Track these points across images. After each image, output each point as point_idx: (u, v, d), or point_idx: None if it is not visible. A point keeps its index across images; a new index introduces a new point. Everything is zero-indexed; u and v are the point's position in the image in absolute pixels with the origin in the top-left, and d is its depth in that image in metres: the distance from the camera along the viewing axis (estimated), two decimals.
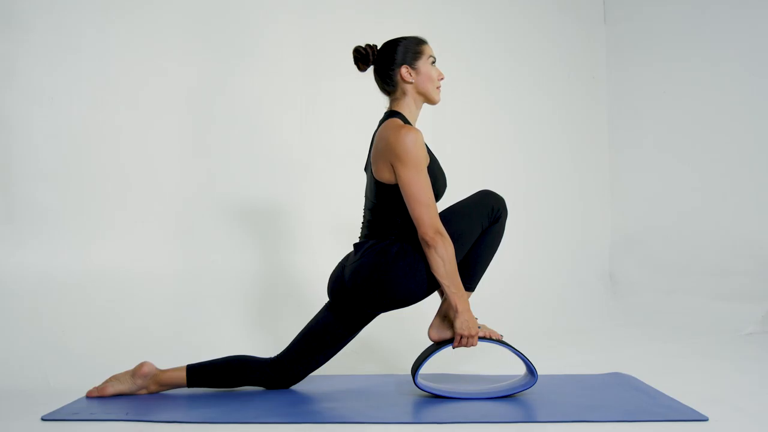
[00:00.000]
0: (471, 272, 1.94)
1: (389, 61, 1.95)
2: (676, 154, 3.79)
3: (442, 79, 1.99)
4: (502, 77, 3.87)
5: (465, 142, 3.63)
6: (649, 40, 3.97)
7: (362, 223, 2.00)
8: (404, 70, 1.94)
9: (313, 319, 2.00)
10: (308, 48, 3.20)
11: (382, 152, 1.87)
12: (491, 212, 1.92)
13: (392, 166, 1.85)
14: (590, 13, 4.23)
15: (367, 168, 2.00)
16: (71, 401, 1.90)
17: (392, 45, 1.97)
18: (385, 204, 1.91)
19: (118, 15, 2.73)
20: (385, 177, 1.88)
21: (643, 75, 3.99)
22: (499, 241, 1.97)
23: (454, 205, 1.93)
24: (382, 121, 1.97)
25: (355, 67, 2.01)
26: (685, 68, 3.74)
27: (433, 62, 1.98)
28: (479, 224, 1.91)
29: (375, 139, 1.95)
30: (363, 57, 1.98)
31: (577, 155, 4.11)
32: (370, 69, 2.01)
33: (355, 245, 1.96)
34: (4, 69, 2.53)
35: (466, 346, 1.89)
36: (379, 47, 1.99)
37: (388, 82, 1.97)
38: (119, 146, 2.73)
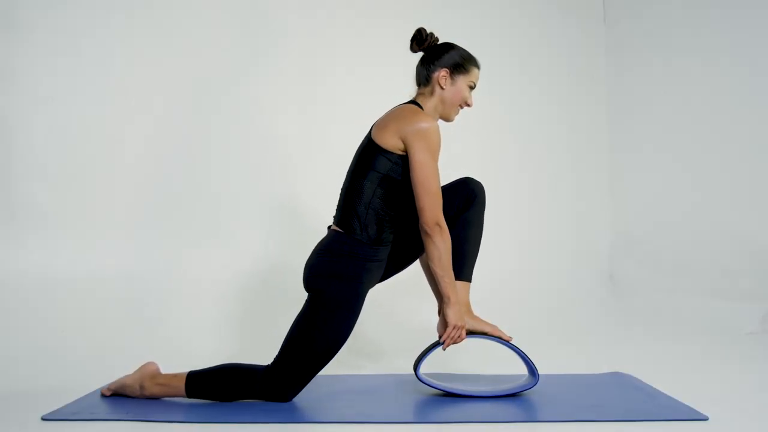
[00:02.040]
0: (459, 262, 1.95)
1: (436, 57, 1.96)
2: (675, 154, 3.79)
3: (468, 105, 2.01)
4: (501, 77, 3.87)
5: (464, 142, 3.63)
6: (649, 40, 3.97)
7: (340, 192, 1.98)
8: (443, 73, 1.95)
9: (296, 317, 1.91)
10: (308, 47, 3.20)
11: (398, 122, 1.86)
12: (463, 194, 1.97)
13: (404, 141, 1.84)
14: (590, 13, 4.23)
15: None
16: (71, 401, 1.90)
17: (449, 46, 1.99)
18: (363, 167, 1.89)
19: (119, 16, 2.74)
20: (386, 141, 1.87)
21: (643, 75, 3.99)
22: (478, 226, 1.99)
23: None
24: (401, 105, 1.97)
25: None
26: (685, 68, 3.74)
27: (472, 88, 1.99)
28: (451, 205, 1.96)
29: (389, 111, 1.95)
30: (420, 40, 1.99)
31: (577, 156, 4.11)
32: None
33: (326, 234, 1.96)
34: (5, 69, 2.54)
35: (455, 341, 1.90)
36: (439, 41, 2.01)
37: (425, 75, 1.98)
38: (120, 146, 2.73)
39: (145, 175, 2.78)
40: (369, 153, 1.90)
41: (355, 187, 1.90)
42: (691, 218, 3.66)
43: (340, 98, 3.27)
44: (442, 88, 1.96)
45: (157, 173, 2.81)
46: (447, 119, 2.02)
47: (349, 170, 1.96)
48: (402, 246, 1.98)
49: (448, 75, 1.95)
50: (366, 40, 3.32)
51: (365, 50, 3.29)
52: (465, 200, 1.98)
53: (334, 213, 1.99)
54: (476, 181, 2.02)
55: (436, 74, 1.96)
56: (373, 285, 1.95)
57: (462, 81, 1.97)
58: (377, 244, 1.89)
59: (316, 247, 1.94)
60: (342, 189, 1.96)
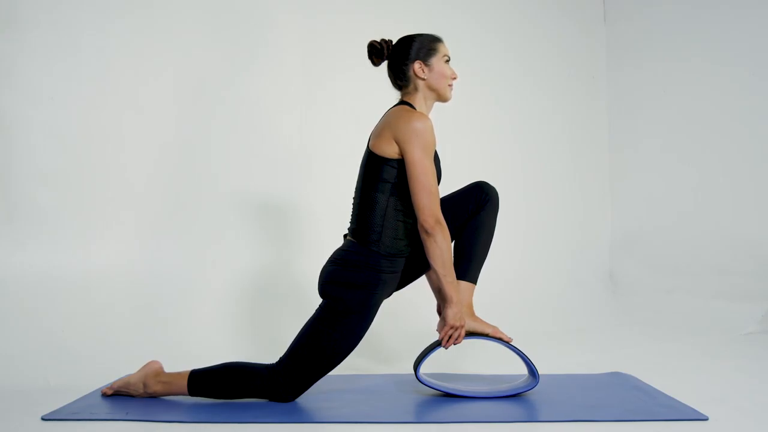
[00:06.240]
0: (466, 263, 1.96)
1: (403, 56, 1.97)
2: (676, 154, 3.79)
3: (455, 78, 2.01)
4: (502, 77, 3.87)
5: (464, 141, 3.63)
6: (649, 40, 3.97)
7: (352, 204, 1.98)
8: (417, 66, 1.96)
9: (308, 320, 1.92)
10: (309, 48, 3.20)
11: (391, 127, 1.87)
12: (477, 198, 1.97)
13: (399, 143, 1.85)
14: (590, 12, 4.23)
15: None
16: (71, 401, 1.90)
17: (407, 40, 1.99)
18: (371, 180, 1.90)
19: (118, 15, 2.73)
20: (384, 149, 1.88)
21: (643, 75, 3.99)
22: (489, 229, 1.99)
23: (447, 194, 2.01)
24: (391, 108, 1.98)
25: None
26: (685, 68, 3.74)
27: (447, 61, 1.99)
28: (464, 209, 1.97)
29: (382, 118, 1.96)
30: (378, 51, 2.00)
31: (577, 155, 4.11)
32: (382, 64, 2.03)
33: (342, 244, 1.97)
34: (4, 69, 2.54)
35: (455, 342, 1.90)
36: (394, 42, 2.01)
37: (401, 77, 1.98)
38: (119, 146, 2.73)
39: (146, 176, 2.78)
40: (372, 165, 1.90)
41: (368, 200, 1.90)
42: (691, 218, 3.67)
43: (340, 98, 3.27)
44: (423, 78, 1.96)
45: (158, 173, 2.81)
46: (444, 99, 2.02)
47: (357, 185, 1.96)
48: (416, 256, 1.97)
49: (422, 64, 1.96)
50: (366, 40, 3.32)
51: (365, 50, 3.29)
52: (478, 204, 1.98)
53: (348, 222, 1.99)
54: (490, 185, 2.02)
55: (411, 71, 1.96)
56: (388, 296, 1.95)
57: (437, 61, 1.97)
58: (393, 255, 1.89)
59: (332, 255, 1.95)
60: (354, 202, 1.96)
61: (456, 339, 1.90)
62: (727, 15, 3.54)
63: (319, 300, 1.93)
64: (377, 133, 1.92)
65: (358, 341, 1.89)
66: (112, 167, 2.71)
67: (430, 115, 1.98)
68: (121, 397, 1.94)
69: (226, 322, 2.75)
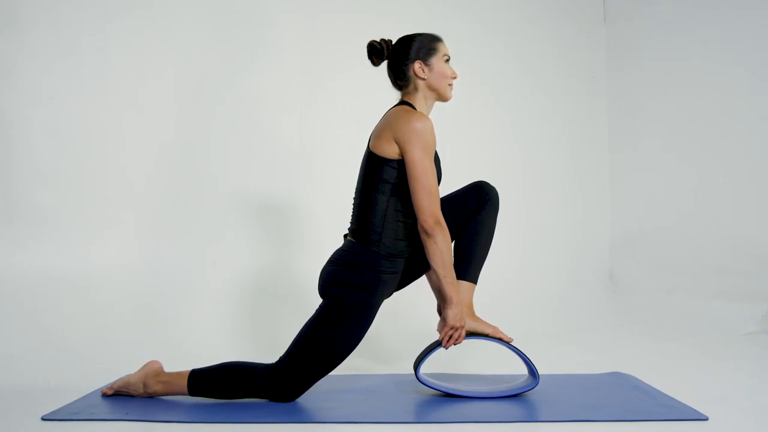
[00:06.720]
0: (466, 263, 1.96)
1: (403, 56, 1.97)
2: (676, 154, 3.79)
3: (455, 78, 2.01)
4: (502, 77, 3.87)
5: (464, 141, 3.63)
6: (649, 40, 3.97)
7: (353, 204, 1.98)
8: (417, 66, 1.95)
9: (308, 321, 1.92)
10: (309, 48, 3.20)
11: (391, 127, 1.87)
12: (477, 198, 1.97)
13: (399, 143, 1.85)
14: (590, 12, 4.23)
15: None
16: (71, 401, 1.90)
17: (407, 40, 1.99)
18: (371, 180, 1.89)
19: (118, 15, 2.74)
20: (384, 150, 1.88)
21: (643, 75, 3.99)
22: (489, 229, 1.99)
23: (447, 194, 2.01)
24: (392, 108, 1.98)
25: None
26: (685, 68, 3.74)
27: (447, 60, 1.99)
28: (464, 209, 1.97)
29: (382, 118, 1.96)
30: (377, 51, 2.00)
31: (577, 155, 4.11)
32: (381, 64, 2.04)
33: (342, 244, 1.97)
34: (4, 69, 2.54)
35: (456, 342, 1.90)
36: (394, 42, 2.01)
37: (401, 77, 1.98)
38: (119, 146, 2.73)
39: (146, 176, 2.78)
40: (372, 165, 1.90)
41: (369, 201, 1.90)
42: (691, 218, 3.67)
43: (340, 98, 3.27)
44: (423, 78, 1.96)
45: (158, 173, 2.81)
46: (445, 99, 2.02)
47: (357, 185, 1.96)
48: (416, 256, 1.97)
49: (422, 64, 1.96)
50: (366, 40, 3.32)
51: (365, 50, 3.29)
52: (478, 203, 1.98)
53: (348, 222, 1.99)
54: (490, 185, 2.02)
55: (411, 71, 1.96)
56: (388, 296, 1.95)
57: (437, 61, 1.97)
58: (393, 256, 1.89)
59: (332, 255, 1.95)
60: (354, 203, 1.96)
61: (456, 339, 1.90)
62: (727, 15, 3.54)
63: (319, 300, 1.93)
64: (377, 134, 1.92)
65: (359, 341, 1.89)
66: (112, 167, 2.71)
67: (431, 115, 1.98)
68: (121, 397, 1.94)
69: (226, 322, 2.75)
